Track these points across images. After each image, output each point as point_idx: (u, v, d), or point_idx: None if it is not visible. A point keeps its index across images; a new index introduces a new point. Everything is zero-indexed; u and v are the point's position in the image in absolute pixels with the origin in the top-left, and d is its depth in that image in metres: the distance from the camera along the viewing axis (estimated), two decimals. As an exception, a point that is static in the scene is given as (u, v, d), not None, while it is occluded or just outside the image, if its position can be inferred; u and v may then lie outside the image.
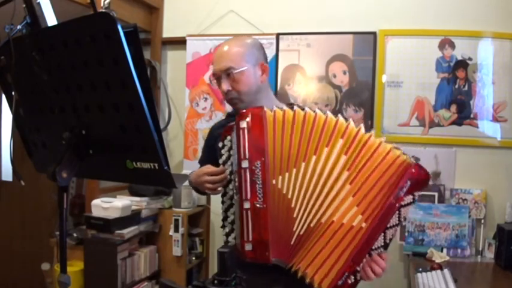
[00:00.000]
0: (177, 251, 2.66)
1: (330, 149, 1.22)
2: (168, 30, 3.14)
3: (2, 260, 3.55)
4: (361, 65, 2.79)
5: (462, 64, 2.69)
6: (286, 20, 2.92)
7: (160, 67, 3.11)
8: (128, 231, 2.42)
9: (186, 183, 1.59)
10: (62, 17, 0.96)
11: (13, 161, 1.07)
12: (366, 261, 1.23)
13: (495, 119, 2.67)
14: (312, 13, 2.89)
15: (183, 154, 3.10)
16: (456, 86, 2.70)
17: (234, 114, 1.43)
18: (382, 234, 1.21)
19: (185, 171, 2.84)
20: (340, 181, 1.21)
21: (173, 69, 3.19)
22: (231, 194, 1.37)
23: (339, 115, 1.26)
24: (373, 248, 1.22)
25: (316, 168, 1.23)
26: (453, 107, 2.70)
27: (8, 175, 3.64)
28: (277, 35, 2.91)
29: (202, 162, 1.57)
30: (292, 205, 1.24)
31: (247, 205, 1.22)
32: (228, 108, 1.52)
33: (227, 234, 1.39)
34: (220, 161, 1.40)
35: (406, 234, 2.54)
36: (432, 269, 2.11)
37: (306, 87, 2.89)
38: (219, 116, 2.89)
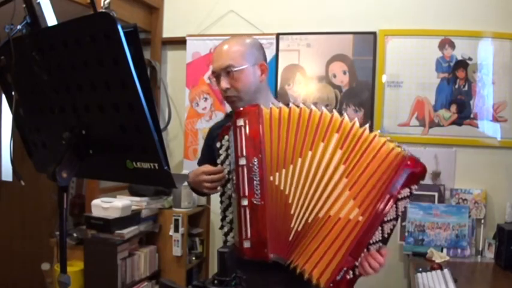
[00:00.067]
0: (177, 251, 2.66)
1: (325, 144, 1.23)
2: (168, 30, 3.14)
3: (2, 260, 3.55)
4: (361, 65, 2.79)
5: (462, 64, 2.69)
6: (286, 20, 2.92)
7: (160, 67, 3.11)
8: (128, 231, 2.42)
9: (186, 183, 1.59)
10: (62, 17, 0.96)
11: (13, 161, 1.07)
12: (364, 256, 1.23)
13: (495, 119, 2.67)
14: (312, 13, 2.89)
15: (183, 154, 3.10)
16: (456, 86, 2.70)
17: (232, 115, 1.44)
18: (380, 228, 1.22)
19: (185, 171, 2.84)
20: (337, 175, 1.22)
21: (173, 69, 3.19)
22: (229, 194, 1.37)
23: (334, 110, 1.27)
24: (371, 242, 1.23)
25: (312, 164, 1.24)
26: (453, 107, 2.70)
27: (8, 175, 3.64)
28: (277, 35, 2.91)
29: (201, 162, 1.57)
30: (290, 201, 1.25)
31: (245, 202, 1.23)
32: (228, 108, 1.52)
33: (226, 234, 1.39)
34: (219, 161, 1.40)
35: (406, 234, 2.54)
36: (432, 269, 2.11)
37: (306, 87, 2.89)
38: (219, 116, 2.89)
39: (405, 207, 1.24)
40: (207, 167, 1.42)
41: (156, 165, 0.85)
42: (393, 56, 2.76)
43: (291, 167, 1.24)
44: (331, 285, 1.22)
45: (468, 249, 2.50)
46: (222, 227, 1.40)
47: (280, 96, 2.88)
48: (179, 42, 3.08)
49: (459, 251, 2.49)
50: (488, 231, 2.59)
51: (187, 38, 3.04)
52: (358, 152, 1.22)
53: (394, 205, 1.21)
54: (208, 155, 1.53)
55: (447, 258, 2.38)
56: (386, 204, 1.20)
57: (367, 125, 1.24)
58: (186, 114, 3.07)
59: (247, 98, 1.44)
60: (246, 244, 1.23)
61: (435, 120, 2.72)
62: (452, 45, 2.69)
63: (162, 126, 3.04)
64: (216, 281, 1.07)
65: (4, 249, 3.57)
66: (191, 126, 3.07)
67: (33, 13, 0.96)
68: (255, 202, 1.23)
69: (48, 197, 3.35)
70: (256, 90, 1.46)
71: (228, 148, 1.36)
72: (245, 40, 1.48)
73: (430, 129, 2.73)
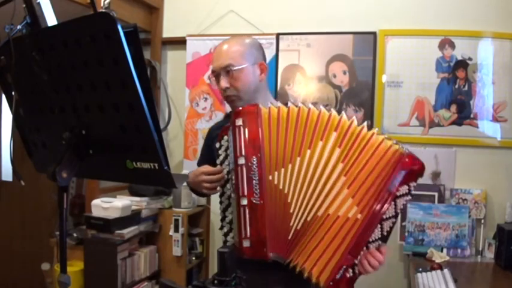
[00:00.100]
0: (177, 251, 2.66)
1: (324, 143, 1.24)
2: (168, 30, 3.14)
3: (2, 260, 3.55)
4: (361, 65, 2.79)
5: (462, 64, 2.69)
6: (286, 20, 2.92)
7: (160, 67, 3.11)
8: (128, 231, 2.42)
9: (186, 183, 1.59)
10: (62, 17, 0.96)
11: (13, 161, 1.07)
12: (364, 254, 1.23)
13: (495, 119, 2.67)
14: (312, 13, 2.89)
15: (183, 154, 3.10)
16: (456, 86, 2.70)
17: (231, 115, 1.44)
18: (379, 225, 1.22)
19: (185, 171, 2.84)
20: (335, 173, 1.23)
21: (173, 69, 3.19)
22: (228, 194, 1.38)
23: (332, 109, 1.27)
24: (371, 240, 1.23)
25: (311, 162, 1.24)
26: (453, 107, 2.70)
27: (8, 175, 3.64)
28: (277, 35, 2.91)
29: (201, 163, 1.57)
30: (289, 200, 1.25)
31: (244, 201, 1.23)
32: (228, 108, 1.52)
33: (226, 234, 1.39)
34: (218, 161, 1.41)
35: (406, 234, 2.54)
36: (432, 269, 2.11)
37: (306, 87, 2.89)
38: (219, 116, 2.89)
39: (404, 205, 1.24)
40: (206, 168, 1.42)
41: (156, 165, 0.85)
42: (393, 56, 2.76)
43: (290, 166, 1.25)
44: (331, 283, 1.22)
45: (468, 249, 2.50)
46: (221, 228, 1.40)
47: (280, 96, 2.88)
48: (179, 42, 3.08)
49: (459, 251, 2.49)
50: (488, 231, 2.59)
51: (187, 38, 3.04)
52: (356, 150, 1.23)
53: (393, 203, 1.22)
54: (208, 155, 1.53)
55: (447, 258, 2.38)
56: (384, 202, 1.20)
57: (365, 123, 1.25)
58: (186, 114, 3.08)
59: (247, 97, 1.44)
60: (246, 243, 1.23)
61: (435, 120, 2.72)
62: (452, 45, 2.69)
63: (162, 126, 3.04)
64: (216, 281, 1.07)
65: (4, 249, 3.57)
66: (191, 126, 3.07)
67: (33, 13, 0.96)
68: (254, 201, 1.23)
69: (48, 197, 3.35)
70: (256, 89, 1.46)
71: (227, 148, 1.36)
72: (244, 40, 1.49)
73: (430, 129, 2.73)
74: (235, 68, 1.41)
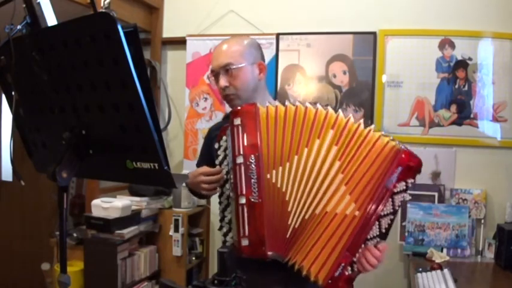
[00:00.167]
0: (177, 251, 2.66)
1: (321, 141, 1.24)
2: (168, 30, 3.14)
3: (2, 260, 3.55)
4: (361, 65, 2.79)
5: (462, 64, 2.69)
6: (286, 20, 2.92)
7: (160, 67, 3.11)
8: (128, 231, 2.42)
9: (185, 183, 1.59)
10: (62, 17, 0.96)
11: (13, 161, 1.07)
12: (362, 251, 1.23)
13: (495, 119, 2.67)
14: (312, 13, 2.89)
15: (183, 154, 3.10)
16: (456, 86, 2.70)
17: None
18: (377, 222, 1.22)
19: (185, 171, 2.84)
20: (333, 171, 1.23)
21: (173, 69, 3.19)
22: (227, 194, 1.38)
23: (329, 107, 1.27)
24: (369, 237, 1.23)
25: (308, 161, 1.25)
26: (453, 107, 2.70)
27: (8, 175, 3.64)
28: (277, 35, 2.91)
29: (200, 163, 1.58)
30: (287, 198, 1.26)
31: (242, 200, 1.23)
32: (228, 109, 1.52)
33: (225, 234, 1.39)
34: (217, 162, 1.41)
35: (406, 234, 2.54)
36: (432, 269, 2.11)
37: (306, 87, 2.89)
38: (219, 116, 2.89)
39: (402, 202, 1.24)
40: (205, 168, 1.43)
41: (156, 165, 0.85)
42: (393, 56, 2.76)
43: (288, 164, 1.25)
44: (330, 281, 1.22)
45: (468, 249, 2.50)
46: (220, 228, 1.41)
47: (280, 96, 2.88)
48: (179, 42, 3.08)
49: (459, 251, 2.49)
50: (488, 231, 2.59)
51: (187, 38, 3.04)
52: (353, 147, 1.23)
53: (391, 199, 1.22)
54: (207, 155, 1.53)
55: (447, 258, 2.38)
56: (382, 199, 1.21)
57: (361, 120, 1.25)
58: (186, 114, 3.08)
59: (246, 96, 1.45)
60: (244, 242, 1.23)
61: (435, 120, 2.72)
62: (452, 45, 2.69)
63: (162, 126, 3.04)
64: (216, 281, 1.07)
65: (4, 249, 3.57)
66: (191, 126, 3.07)
67: (33, 13, 0.96)
68: (252, 200, 1.23)
69: (48, 197, 3.35)
70: (255, 88, 1.47)
71: (226, 149, 1.37)
72: (244, 40, 1.50)
73: (430, 129, 2.73)
74: (234, 67, 1.42)
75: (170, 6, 3.14)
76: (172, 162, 3.11)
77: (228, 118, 1.51)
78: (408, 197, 1.25)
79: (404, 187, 1.23)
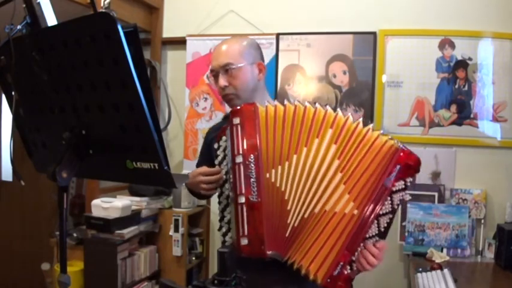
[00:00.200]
0: (177, 251, 2.66)
1: (320, 140, 1.25)
2: (168, 30, 3.14)
3: (2, 260, 3.55)
4: (361, 65, 2.79)
5: (462, 64, 2.69)
6: (286, 20, 2.92)
7: (160, 67, 3.11)
8: (128, 231, 2.42)
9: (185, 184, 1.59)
10: (62, 17, 0.96)
11: (13, 161, 1.07)
12: (361, 250, 1.23)
13: (495, 119, 2.67)
14: (312, 13, 2.89)
15: (183, 154, 3.10)
16: (456, 86, 2.70)
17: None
18: (376, 221, 1.22)
19: (185, 171, 2.84)
20: (332, 170, 1.23)
21: (173, 69, 3.19)
22: (227, 194, 1.38)
23: (327, 106, 1.27)
24: (368, 236, 1.23)
25: (307, 160, 1.25)
26: (453, 107, 2.70)
27: (8, 175, 3.64)
28: (277, 35, 2.91)
29: (200, 164, 1.58)
30: (286, 197, 1.26)
31: (242, 200, 1.23)
32: (228, 109, 1.53)
33: (224, 234, 1.39)
34: (216, 162, 1.41)
35: (406, 234, 2.54)
36: (432, 269, 2.11)
37: (306, 87, 2.89)
38: (219, 116, 2.89)
39: (401, 201, 1.24)
40: (204, 168, 1.43)
41: (156, 165, 0.85)
42: (393, 56, 2.76)
43: (287, 163, 1.25)
44: (329, 280, 1.22)
45: (468, 249, 2.50)
46: (220, 228, 1.41)
47: (280, 96, 2.88)
48: (179, 42, 3.08)
49: (459, 251, 2.49)
50: (488, 231, 2.59)
51: (187, 38, 3.04)
52: (352, 146, 1.23)
53: (389, 198, 1.22)
54: (207, 156, 1.54)
55: (447, 258, 2.38)
56: (380, 197, 1.21)
57: (360, 119, 1.25)
58: (186, 114, 3.08)
59: (245, 96, 1.45)
60: (243, 241, 1.23)
61: (435, 120, 2.72)
62: (452, 45, 2.69)
63: (162, 126, 3.04)
64: (216, 281, 1.07)
65: (4, 249, 3.57)
66: (191, 126, 3.07)
67: (33, 13, 0.96)
68: (251, 199, 1.23)
69: (48, 197, 3.35)
70: (254, 88, 1.47)
71: (225, 149, 1.37)
72: (243, 40, 1.51)
73: (430, 129, 2.73)
74: (233, 67, 1.43)
75: (170, 6, 3.14)
76: (172, 162, 3.11)
77: (227, 118, 1.51)
78: (408, 197, 1.25)
79: (403, 186, 1.23)
